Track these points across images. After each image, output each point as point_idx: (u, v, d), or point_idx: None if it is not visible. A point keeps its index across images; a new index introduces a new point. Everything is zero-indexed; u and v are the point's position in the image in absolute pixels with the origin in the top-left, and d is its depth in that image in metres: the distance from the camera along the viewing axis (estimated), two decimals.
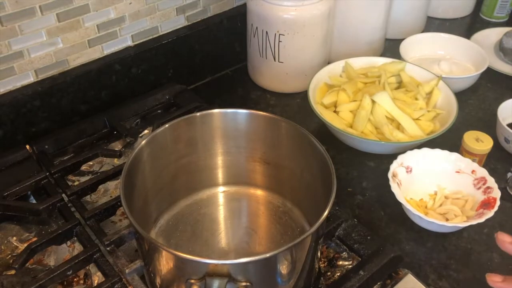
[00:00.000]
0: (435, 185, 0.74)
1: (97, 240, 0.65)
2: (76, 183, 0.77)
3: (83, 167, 0.79)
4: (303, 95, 0.88)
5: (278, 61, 0.92)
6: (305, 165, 0.64)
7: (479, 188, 0.71)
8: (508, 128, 0.81)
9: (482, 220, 0.65)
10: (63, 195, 0.72)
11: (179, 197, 0.71)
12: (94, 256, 0.63)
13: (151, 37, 0.92)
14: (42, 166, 0.77)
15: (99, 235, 0.66)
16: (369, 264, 0.62)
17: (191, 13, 0.96)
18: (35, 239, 0.68)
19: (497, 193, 0.68)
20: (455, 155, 0.74)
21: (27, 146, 0.79)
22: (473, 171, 0.72)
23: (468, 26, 1.20)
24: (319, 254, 0.61)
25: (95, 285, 0.62)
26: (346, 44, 1.01)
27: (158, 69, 0.94)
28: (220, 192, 0.73)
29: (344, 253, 0.66)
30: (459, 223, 0.67)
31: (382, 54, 1.07)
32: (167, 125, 0.64)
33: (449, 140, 0.80)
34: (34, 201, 0.74)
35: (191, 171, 0.69)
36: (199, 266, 0.50)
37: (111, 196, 0.75)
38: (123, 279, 0.60)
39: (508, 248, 0.53)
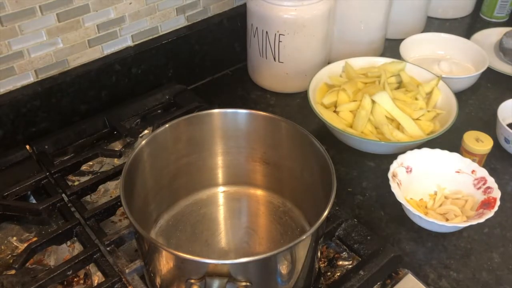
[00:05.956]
0: (435, 185, 0.74)
1: (97, 240, 0.65)
2: (76, 183, 0.77)
3: (83, 167, 0.79)
4: (303, 95, 0.88)
5: (278, 61, 0.92)
6: (305, 165, 0.64)
7: (479, 188, 0.71)
8: (508, 128, 0.81)
9: (482, 220, 0.65)
10: (63, 195, 0.72)
11: (179, 197, 0.71)
12: (94, 256, 0.63)
13: (151, 37, 0.92)
14: (42, 166, 0.77)
15: (99, 235, 0.66)
16: (369, 264, 0.62)
17: (191, 13, 0.96)
18: (35, 239, 0.68)
19: (497, 193, 0.68)
20: (455, 155, 0.74)
21: (27, 146, 0.79)
22: (473, 171, 0.72)
23: (468, 26, 1.20)
24: (319, 254, 0.61)
25: (95, 285, 0.62)
26: (346, 44, 1.01)
27: (158, 69, 0.94)
28: (220, 192, 0.73)
29: (344, 253, 0.66)
30: (459, 223, 0.67)
31: (382, 54, 1.07)
32: (167, 125, 0.64)
33: (449, 140, 0.80)
34: (34, 201, 0.74)
35: (191, 171, 0.69)
36: (199, 266, 0.50)
37: (111, 196, 0.75)
38: (123, 279, 0.60)
39: None
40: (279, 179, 0.70)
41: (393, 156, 0.74)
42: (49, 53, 0.81)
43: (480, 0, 1.23)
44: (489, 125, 0.87)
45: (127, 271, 0.59)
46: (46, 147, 0.80)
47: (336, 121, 0.81)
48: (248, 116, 0.66)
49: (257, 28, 0.91)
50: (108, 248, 0.63)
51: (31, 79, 0.81)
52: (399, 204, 0.70)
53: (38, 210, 0.69)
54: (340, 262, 0.65)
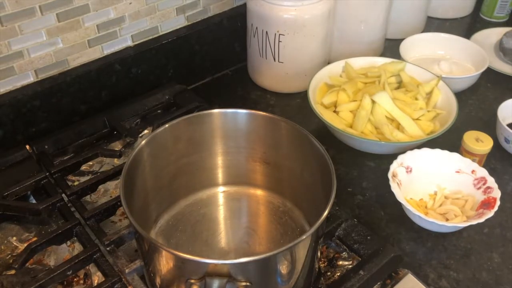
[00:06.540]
0: (435, 185, 0.74)
1: (97, 240, 0.65)
2: (76, 183, 0.77)
3: (83, 167, 0.79)
4: (303, 95, 0.88)
5: (278, 61, 0.92)
6: (305, 165, 0.64)
7: (479, 188, 0.71)
8: (508, 128, 0.81)
9: (482, 220, 0.65)
10: (63, 195, 0.72)
11: (179, 197, 0.71)
12: (94, 256, 0.63)
13: (151, 37, 0.92)
14: (42, 166, 0.77)
15: (99, 235, 0.66)
16: (369, 264, 0.62)
17: (191, 13, 0.96)
18: (35, 239, 0.68)
19: (497, 193, 0.68)
20: (455, 155, 0.74)
21: (27, 146, 0.79)
22: (473, 171, 0.72)
23: (468, 26, 1.20)
24: (319, 254, 0.61)
25: (95, 285, 0.62)
26: (346, 44, 1.01)
27: (158, 69, 0.94)
28: (220, 192, 0.73)
29: (344, 253, 0.66)
30: (459, 223, 0.67)
31: (382, 54, 1.07)
32: (167, 125, 0.64)
33: (449, 140, 0.80)
34: (34, 201, 0.74)
35: (191, 171, 0.69)
36: (199, 266, 0.50)
37: (111, 196, 0.75)
38: (123, 279, 0.60)
39: None
40: (279, 179, 0.70)
41: (393, 156, 0.74)
42: (49, 53, 0.81)
43: (480, 0, 1.23)
44: (489, 125, 0.87)
45: (127, 271, 0.59)
46: (46, 147, 0.80)
47: (336, 121, 0.81)
48: (248, 116, 0.66)
49: (257, 28, 0.91)
50: (108, 248, 0.63)
51: (31, 79, 0.81)
52: (399, 204, 0.70)
53: (38, 210, 0.69)
54: (340, 262, 0.65)
